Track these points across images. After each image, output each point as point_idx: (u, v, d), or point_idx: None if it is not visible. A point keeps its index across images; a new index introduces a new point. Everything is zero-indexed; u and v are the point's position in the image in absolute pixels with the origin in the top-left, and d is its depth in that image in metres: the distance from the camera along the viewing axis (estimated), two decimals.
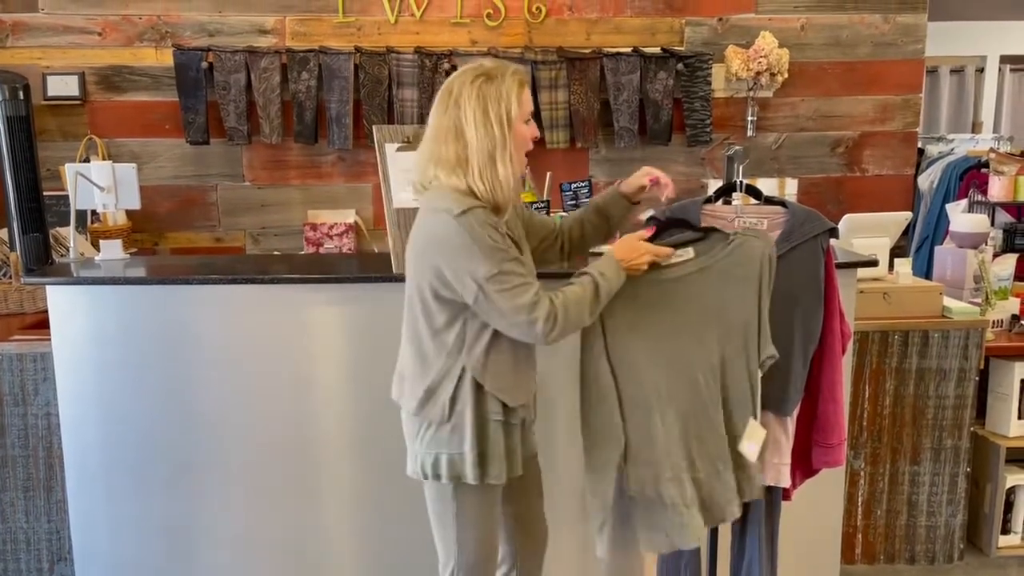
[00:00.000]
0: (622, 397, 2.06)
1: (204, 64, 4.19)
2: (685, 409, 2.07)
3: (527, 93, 1.88)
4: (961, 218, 3.54)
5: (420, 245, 1.86)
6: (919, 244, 4.67)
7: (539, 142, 4.51)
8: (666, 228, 2.11)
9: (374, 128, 2.49)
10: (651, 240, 2.04)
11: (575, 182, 2.83)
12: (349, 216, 4.37)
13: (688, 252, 2.06)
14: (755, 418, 2.09)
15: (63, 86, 4.25)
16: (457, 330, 1.86)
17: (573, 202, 2.81)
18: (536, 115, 4.28)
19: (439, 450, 1.90)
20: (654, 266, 2.01)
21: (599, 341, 2.05)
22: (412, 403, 1.93)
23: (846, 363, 2.58)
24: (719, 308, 2.06)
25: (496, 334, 1.86)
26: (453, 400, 1.88)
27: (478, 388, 1.87)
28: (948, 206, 4.23)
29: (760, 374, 2.09)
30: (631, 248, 1.96)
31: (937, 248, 3.64)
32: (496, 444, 1.90)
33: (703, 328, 2.07)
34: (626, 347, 2.06)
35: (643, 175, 2.12)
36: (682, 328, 2.07)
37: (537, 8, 4.35)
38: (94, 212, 3.93)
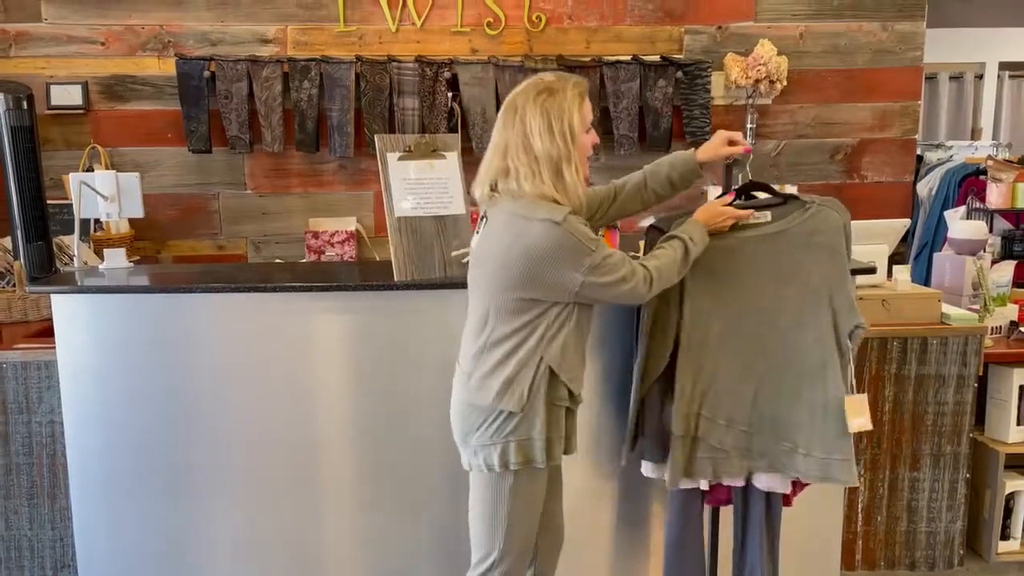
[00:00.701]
0: (683, 338, 2.21)
1: (206, 73, 4.21)
2: (747, 361, 2.19)
3: (588, 104, 2.00)
4: (959, 225, 3.56)
5: (515, 253, 1.93)
6: (918, 251, 4.68)
7: None
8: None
9: (376, 137, 2.51)
10: (731, 204, 2.20)
11: None
12: (350, 224, 4.39)
13: (766, 215, 2.18)
14: (850, 392, 2.16)
15: (66, 95, 4.28)
16: (538, 326, 1.98)
17: None
18: None
19: (508, 438, 2.00)
20: (734, 226, 2.20)
21: (677, 285, 2.17)
22: (487, 396, 2.00)
23: None
24: (795, 271, 2.16)
25: (571, 331, 2.01)
26: (531, 389, 1.99)
27: (552, 378, 2.00)
28: (947, 213, 4.25)
29: (850, 345, 2.16)
30: (716, 213, 2.15)
31: (936, 255, 3.65)
32: (559, 428, 2.05)
33: (778, 288, 2.18)
34: (700, 293, 2.20)
35: (721, 144, 2.23)
36: (755, 285, 2.19)
37: (537, 17, 4.38)
38: (97, 221, 3.95)
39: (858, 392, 2.22)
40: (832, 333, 2.17)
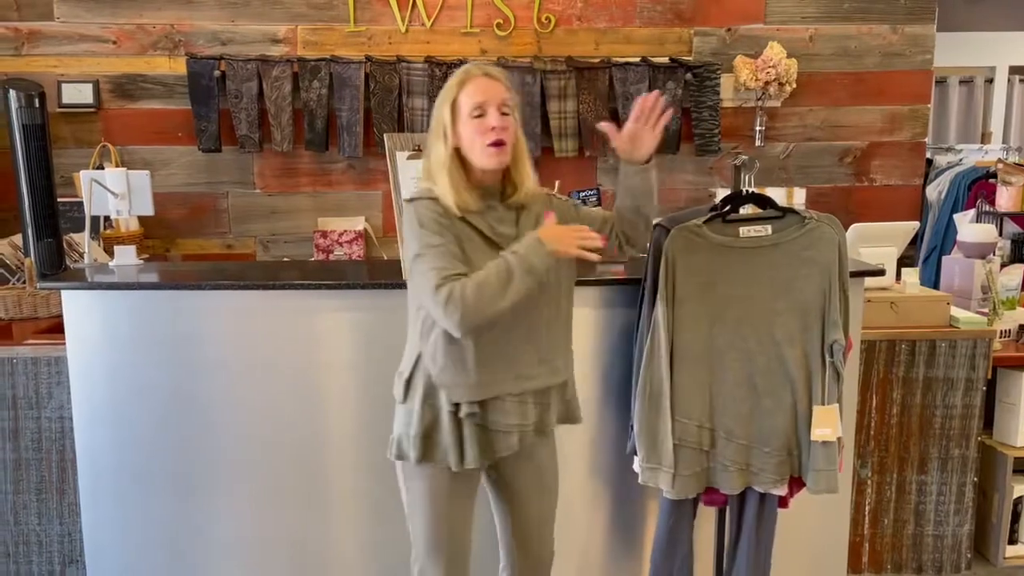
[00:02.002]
0: (684, 348, 2.21)
1: (216, 73, 4.23)
2: (746, 374, 2.21)
3: (471, 88, 1.89)
4: (969, 228, 3.55)
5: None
6: (927, 254, 4.67)
7: (548, 151, 4.54)
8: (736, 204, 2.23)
9: (385, 136, 2.52)
10: (724, 217, 2.19)
11: (583, 190, 2.85)
12: (358, 223, 4.40)
13: (767, 229, 2.18)
14: (823, 403, 2.17)
15: (77, 94, 4.31)
16: (423, 316, 1.95)
17: None
18: (545, 124, 4.35)
19: (394, 429, 2.02)
20: (735, 235, 2.18)
21: (668, 292, 2.19)
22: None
23: (851, 373, 2.60)
24: (788, 285, 2.19)
25: (431, 329, 1.93)
26: (409, 382, 1.99)
27: (429, 377, 1.95)
28: (956, 216, 4.24)
29: (831, 359, 2.17)
30: (559, 233, 1.85)
31: (945, 258, 3.65)
32: (442, 431, 1.94)
33: (771, 301, 2.20)
34: (698, 302, 2.20)
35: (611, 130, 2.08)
36: (750, 297, 2.20)
37: (546, 18, 4.38)
38: (106, 218, 3.97)
39: (852, 398, 2.26)
40: (819, 347, 2.19)
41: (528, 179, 1.99)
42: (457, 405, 1.92)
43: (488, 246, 1.91)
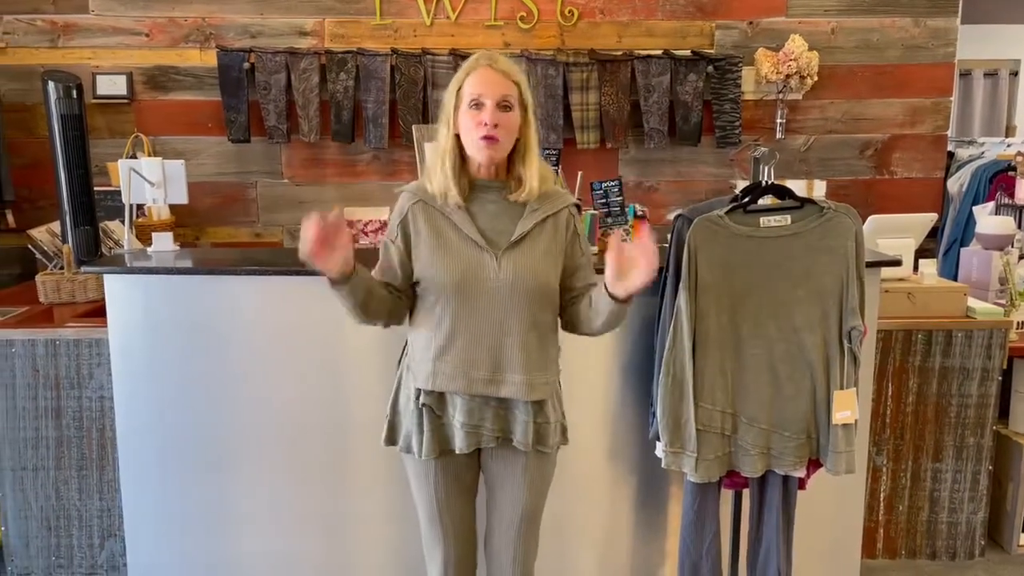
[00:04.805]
0: (706, 335, 2.26)
1: (246, 65, 4.33)
2: (768, 361, 2.27)
3: (473, 77, 1.88)
4: (987, 220, 3.57)
5: None
6: (947, 247, 4.68)
7: (570, 142, 4.59)
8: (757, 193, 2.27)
9: (413, 128, 2.60)
10: (745, 208, 2.23)
11: (605, 181, 2.91)
12: (383, 213, 4.47)
13: (786, 219, 2.24)
14: (841, 388, 2.24)
15: (111, 85, 4.42)
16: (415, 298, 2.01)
17: (603, 201, 2.89)
18: (567, 116, 4.41)
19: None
20: (756, 225, 2.20)
21: (690, 281, 2.24)
22: None
23: (867, 361, 2.65)
24: (807, 273, 2.25)
25: (415, 310, 1.99)
26: (399, 365, 2.07)
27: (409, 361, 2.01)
28: (975, 208, 4.25)
29: (849, 345, 2.24)
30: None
31: (963, 250, 3.67)
32: (406, 416, 2.00)
33: (791, 289, 2.26)
34: (716, 292, 2.26)
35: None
36: (771, 285, 2.26)
37: (569, 11, 4.44)
38: (139, 207, 4.08)
39: (868, 386, 2.30)
40: (837, 334, 2.25)
41: (534, 177, 1.91)
42: (419, 392, 1.95)
43: (462, 240, 1.89)
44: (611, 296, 1.82)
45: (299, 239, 1.76)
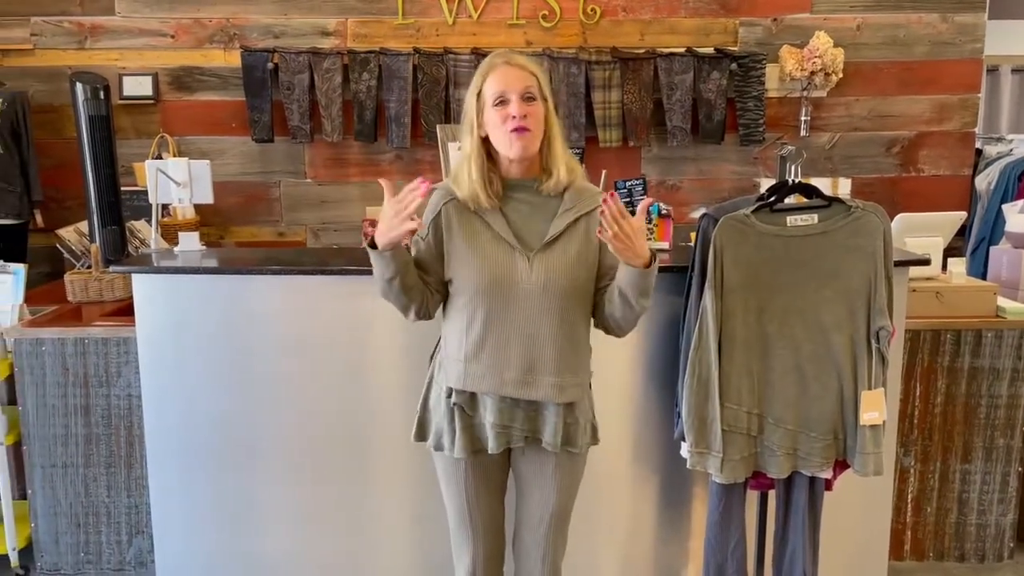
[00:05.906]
0: (733, 334, 2.25)
1: (270, 65, 4.36)
2: (795, 361, 2.25)
3: (494, 77, 1.87)
4: (1017, 218, 3.52)
5: None
6: (975, 245, 4.62)
7: (592, 140, 4.58)
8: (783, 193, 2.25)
9: (437, 127, 2.60)
10: (772, 207, 2.21)
11: (630, 180, 2.90)
12: None
13: (813, 218, 2.22)
14: (869, 388, 2.22)
15: (137, 86, 4.47)
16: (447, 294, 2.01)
17: (628, 199, 2.88)
18: (589, 114, 4.40)
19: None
20: (781, 224, 2.16)
21: (716, 281, 2.23)
22: None
23: (895, 361, 2.62)
24: (834, 273, 2.23)
25: (448, 308, 1.99)
26: (431, 361, 2.07)
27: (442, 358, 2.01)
28: (1004, 206, 4.19)
29: (877, 345, 2.22)
30: (381, 225, 1.87)
31: (992, 248, 3.62)
32: (437, 412, 1.99)
33: (818, 289, 2.24)
34: (742, 292, 2.24)
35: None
36: (798, 284, 2.24)
37: (592, 9, 4.43)
38: (164, 206, 4.12)
39: (896, 387, 2.27)
40: (865, 333, 2.23)
41: (562, 167, 1.90)
42: (451, 391, 1.95)
43: (495, 240, 1.88)
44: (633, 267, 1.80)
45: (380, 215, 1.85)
